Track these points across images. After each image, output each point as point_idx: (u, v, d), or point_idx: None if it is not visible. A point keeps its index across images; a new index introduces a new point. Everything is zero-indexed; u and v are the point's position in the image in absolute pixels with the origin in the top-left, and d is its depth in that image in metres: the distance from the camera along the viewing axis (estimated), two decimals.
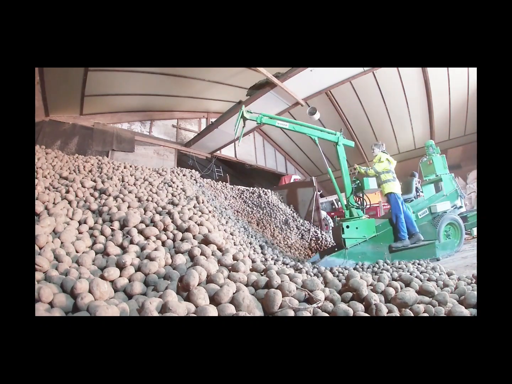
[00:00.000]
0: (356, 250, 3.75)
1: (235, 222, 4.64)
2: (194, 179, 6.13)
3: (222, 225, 3.54)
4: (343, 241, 3.78)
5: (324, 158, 4.36)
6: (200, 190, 5.39)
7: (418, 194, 4.77)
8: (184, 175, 6.08)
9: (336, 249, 4.05)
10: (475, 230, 4.79)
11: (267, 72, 5.04)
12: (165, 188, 4.15)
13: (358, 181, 4.23)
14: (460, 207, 4.47)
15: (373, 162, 4.16)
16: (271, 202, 7.11)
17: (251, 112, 4.19)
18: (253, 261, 2.82)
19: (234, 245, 3.29)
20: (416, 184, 4.70)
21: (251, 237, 4.41)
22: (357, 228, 3.80)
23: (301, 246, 5.50)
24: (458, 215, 4.38)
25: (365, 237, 3.79)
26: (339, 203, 10.10)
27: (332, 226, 7.93)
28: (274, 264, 3.32)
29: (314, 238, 6.00)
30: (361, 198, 4.25)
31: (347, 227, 3.80)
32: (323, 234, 6.28)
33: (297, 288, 1.46)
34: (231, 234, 3.51)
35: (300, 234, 6.05)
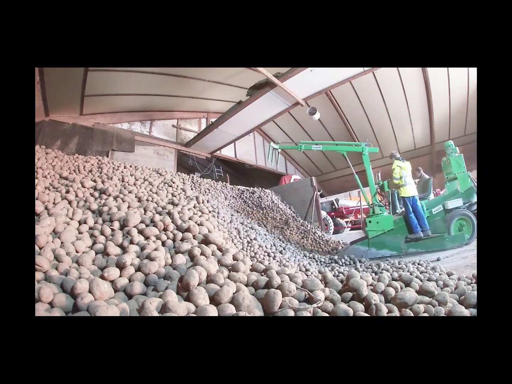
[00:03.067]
0: (377, 240, 4.59)
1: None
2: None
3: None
4: (366, 233, 4.70)
5: (351, 166, 5.20)
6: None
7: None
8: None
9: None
10: None
11: (267, 72, 5.04)
12: (165, 188, 4.15)
13: (382, 183, 5.29)
14: (476, 203, 4.72)
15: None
16: (271, 202, 7.11)
17: (279, 143, 5.45)
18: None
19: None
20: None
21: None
22: (377, 222, 4.64)
23: (302, 246, 5.50)
24: (475, 210, 4.71)
25: (384, 230, 4.58)
26: (339, 203, 10.12)
27: (332, 226, 7.96)
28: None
29: (314, 238, 6.00)
30: (384, 198, 5.25)
31: (370, 221, 4.69)
32: (323, 234, 6.28)
33: (297, 288, 1.46)
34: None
35: (301, 234, 6.06)
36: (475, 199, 4.66)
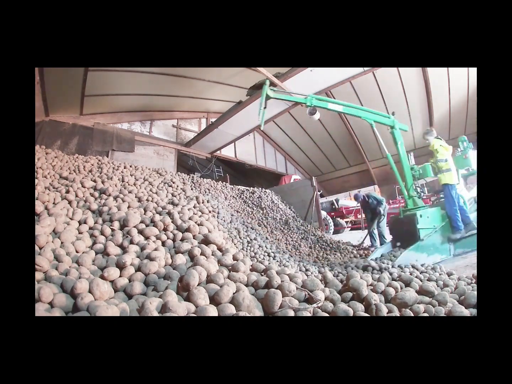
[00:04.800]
0: (429, 242, 3.44)
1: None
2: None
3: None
4: (418, 231, 3.42)
5: (382, 143, 4.06)
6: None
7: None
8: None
9: (398, 243, 3.79)
10: None
11: (267, 72, 5.04)
12: (165, 188, 4.15)
13: (419, 169, 4.00)
14: None
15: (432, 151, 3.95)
16: (271, 202, 7.11)
17: (274, 90, 3.63)
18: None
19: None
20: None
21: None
22: (428, 217, 3.54)
23: (304, 247, 5.49)
24: None
25: (435, 227, 3.56)
26: (339, 203, 10.11)
27: (332, 226, 7.89)
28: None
29: (314, 239, 6.00)
30: (419, 187, 4.04)
31: (421, 216, 3.45)
32: (323, 234, 6.29)
33: (297, 288, 1.46)
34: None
35: (302, 235, 6.05)
36: None
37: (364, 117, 3.79)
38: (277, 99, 3.79)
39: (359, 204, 5.28)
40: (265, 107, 3.47)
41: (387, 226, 5.10)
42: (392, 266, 2.97)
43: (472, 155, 4.60)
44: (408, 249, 3.37)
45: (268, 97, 3.53)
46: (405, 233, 3.66)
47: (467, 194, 4.20)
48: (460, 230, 3.56)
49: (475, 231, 3.53)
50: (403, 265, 2.99)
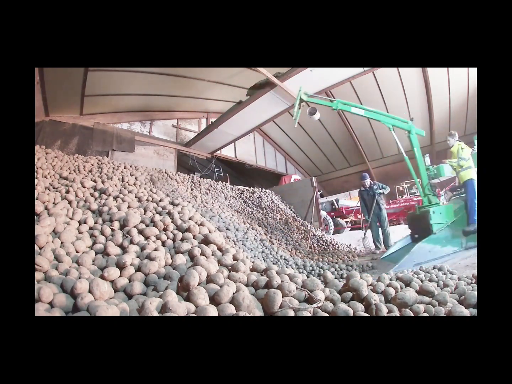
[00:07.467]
0: (441, 235, 3.92)
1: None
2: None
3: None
4: (431, 226, 3.92)
5: (400, 146, 4.46)
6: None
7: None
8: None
9: (416, 236, 4.25)
10: None
11: (267, 72, 5.04)
12: (165, 188, 4.14)
13: (434, 169, 4.47)
14: None
15: (452, 152, 4.33)
16: (271, 202, 7.11)
17: (307, 94, 4.40)
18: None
19: None
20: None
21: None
22: (440, 213, 4.00)
23: (304, 247, 5.49)
24: None
25: (447, 222, 4.00)
26: (339, 203, 10.11)
27: (332, 226, 7.90)
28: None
29: (314, 239, 6.00)
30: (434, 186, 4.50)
31: (433, 212, 3.93)
32: (323, 234, 6.29)
33: (297, 288, 1.46)
34: None
35: (302, 235, 6.05)
36: None
37: (383, 122, 4.29)
38: (310, 102, 4.56)
39: (365, 188, 5.33)
40: (299, 108, 4.43)
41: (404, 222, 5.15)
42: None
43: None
44: (421, 241, 3.79)
45: (302, 100, 4.42)
46: (421, 228, 4.18)
47: None
48: (473, 222, 3.92)
49: None
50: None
